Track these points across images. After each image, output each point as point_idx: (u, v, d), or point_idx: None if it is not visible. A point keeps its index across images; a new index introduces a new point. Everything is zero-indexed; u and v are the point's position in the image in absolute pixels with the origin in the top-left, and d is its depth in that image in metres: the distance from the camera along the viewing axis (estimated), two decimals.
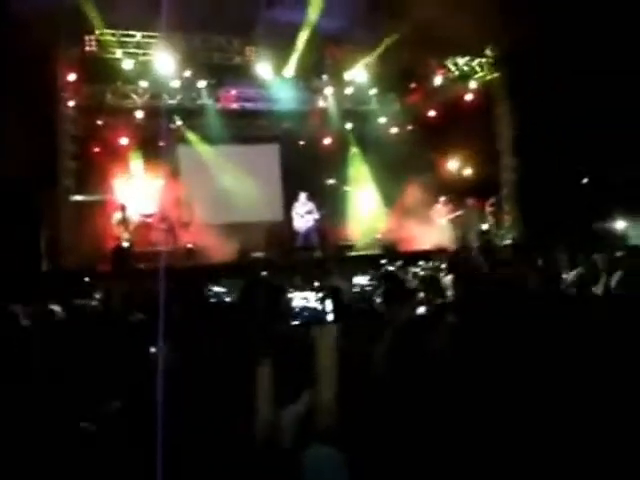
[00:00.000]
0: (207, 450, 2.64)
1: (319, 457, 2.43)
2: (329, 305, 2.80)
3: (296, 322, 2.87)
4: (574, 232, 12.97)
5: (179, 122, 16.89)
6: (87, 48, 13.50)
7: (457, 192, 17.16)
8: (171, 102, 16.15)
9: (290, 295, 2.81)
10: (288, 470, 2.45)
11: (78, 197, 14.31)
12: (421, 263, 11.59)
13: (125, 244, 13.87)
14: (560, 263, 7.81)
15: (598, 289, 6.05)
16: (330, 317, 2.81)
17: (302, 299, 2.64)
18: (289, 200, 17.20)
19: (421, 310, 5.13)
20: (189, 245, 14.90)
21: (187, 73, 15.08)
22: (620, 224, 16.20)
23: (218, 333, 3.36)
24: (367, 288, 10.30)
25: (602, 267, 6.43)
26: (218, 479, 2.64)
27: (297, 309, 2.80)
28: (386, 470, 2.44)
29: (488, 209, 16.69)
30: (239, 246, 14.66)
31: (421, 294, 6.51)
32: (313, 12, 13.66)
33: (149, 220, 15.23)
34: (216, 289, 8.60)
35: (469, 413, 2.73)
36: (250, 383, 2.79)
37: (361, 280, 10.55)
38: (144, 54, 14.06)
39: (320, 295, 2.76)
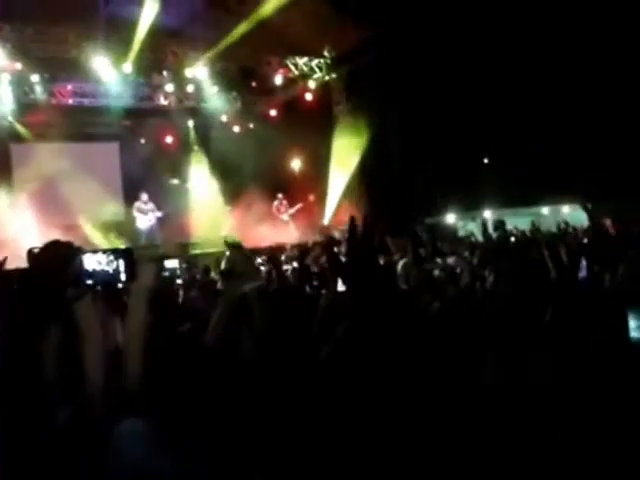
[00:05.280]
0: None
1: (129, 431, 2.33)
2: (122, 265, 2.75)
3: (89, 282, 2.78)
4: (409, 225, 13.75)
5: (10, 118, 15.98)
6: None
7: (299, 188, 17.61)
8: (1, 97, 15.22)
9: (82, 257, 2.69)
10: (97, 446, 2.32)
11: None
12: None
13: None
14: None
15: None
16: (123, 277, 2.76)
17: (95, 262, 2.54)
18: (130, 199, 16.85)
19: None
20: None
21: (18, 66, 14.32)
22: (451, 218, 17.45)
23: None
24: (177, 271, 10.80)
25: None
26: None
27: (90, 271, 2.68)
28: (198, 440, 2.38)
29: (330, 204, 17.29)
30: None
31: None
32: (152, 7, 13.51)
33: None
34: None
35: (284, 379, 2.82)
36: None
37: (172, 264, 10.99)
38: None
39: (111, 257, 2.64)
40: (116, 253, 2.75)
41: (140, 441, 2.26)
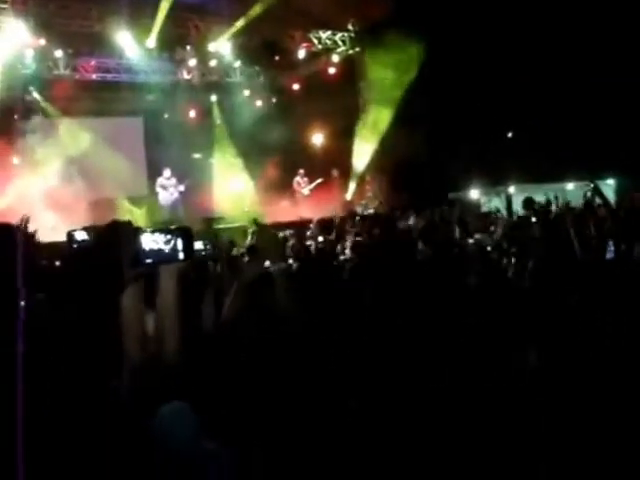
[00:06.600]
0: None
1: (172, 415, 2.36)
2: (180, 244, 2.75)
3: (148, 261, 2.79)
4: (431, 200, 13.70)
5: (35, 94, 16.04)
6: None
7: (321, 163, 17.56)
8: (25, 72, 15.25)
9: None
10: (139, 430, 2.36)
11: None
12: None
13: None
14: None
15: None
16: (181, 255, 2.76)
17: (152, 241, 2.52)
18: (154, 174, 16.92)
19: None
20: None
21: (42, 41, 14.32)
22: (475, 193, 17.33)
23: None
24: (202, 253, 10.83)
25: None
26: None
27: (147, 250, 2.68)
28: (237, 423, 2.47)
29: (353, 180, 17.26)
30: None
31: None
32: None
33: None
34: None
35: (310, 364, 2.83)
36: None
37: (197, 245, 11.01)
38: None
39: (168, 236, 2.63)
40: (173, 232, 2.75)
41: (186, 424, 2.30)
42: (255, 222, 4.47)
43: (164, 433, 2.29)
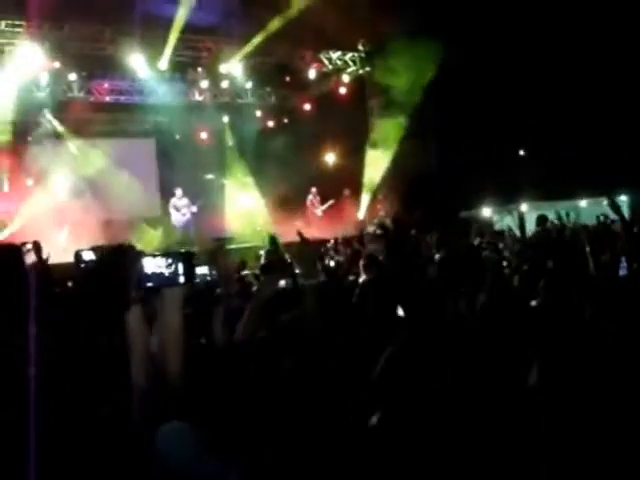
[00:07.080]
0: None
1: (172, 434, 2.33)
2: (181, 268, 2.78)
3: (150, 284, 2.83)
4: (443, 220, 13.64)
5: (49, 116, 16.23)
6: None
7: (333, 183, 17.58)
8: (40, 95, 15.44)
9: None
10: (139, 450, 2.35)
11: None
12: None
13: None
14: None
15: None
16: (182, 279, 2.80)
17: (154, 265, 2.55)
18: (166, 194, 17.02)
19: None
20: None
21: (56, 64, 14.51)
22: (486, 212, 17.27)
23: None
24: (207, 278, 10.68)
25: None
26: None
27: (149, 274, 2.73)
28: (241, 444, 2.37)
29: (364, 199, 17.25)
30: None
31: None
32: (187, 4, 13.58)
33: None
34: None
35: (317, 383, 2.80)
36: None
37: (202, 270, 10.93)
38: (8, 44, 13.46)
39: (169, 260, 2.67)
40: (175, 256, 2.79)
41: (185, 444, 2.27)
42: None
43: (162, 454, 2.27)
